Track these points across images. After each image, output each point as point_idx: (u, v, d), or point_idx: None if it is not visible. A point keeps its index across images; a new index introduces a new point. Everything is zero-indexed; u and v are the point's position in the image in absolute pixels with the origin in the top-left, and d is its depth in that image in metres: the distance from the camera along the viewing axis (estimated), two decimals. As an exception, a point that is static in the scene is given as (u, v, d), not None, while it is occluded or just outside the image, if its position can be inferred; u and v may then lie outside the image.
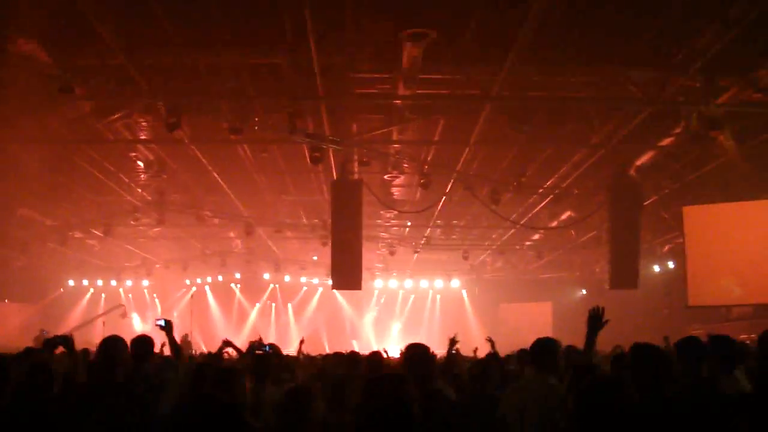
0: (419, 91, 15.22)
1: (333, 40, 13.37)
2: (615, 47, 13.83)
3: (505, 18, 12.42)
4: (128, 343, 7.39)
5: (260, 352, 8.83)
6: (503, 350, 12.60)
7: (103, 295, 39.79)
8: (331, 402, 6.60)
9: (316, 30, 12.40)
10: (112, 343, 6.69)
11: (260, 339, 9.70)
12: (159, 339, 8.41)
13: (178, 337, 8.95)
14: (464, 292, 41.22)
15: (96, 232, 29.11)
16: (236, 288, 41.07)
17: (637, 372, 5.69)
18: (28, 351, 9.30)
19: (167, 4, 12.82)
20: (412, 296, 41.26)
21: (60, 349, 7.34)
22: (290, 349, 20.19)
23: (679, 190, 21.83)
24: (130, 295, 40.05)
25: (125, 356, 6.74)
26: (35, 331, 23.30)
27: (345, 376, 7.58)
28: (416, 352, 7.01)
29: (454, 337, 9.63)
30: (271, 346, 8.99)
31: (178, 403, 4.33)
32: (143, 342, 7.63)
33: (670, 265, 28.97)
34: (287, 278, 39.34)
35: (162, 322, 8.19)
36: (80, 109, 16.19)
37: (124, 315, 37.98)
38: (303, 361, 12.44)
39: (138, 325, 37.72)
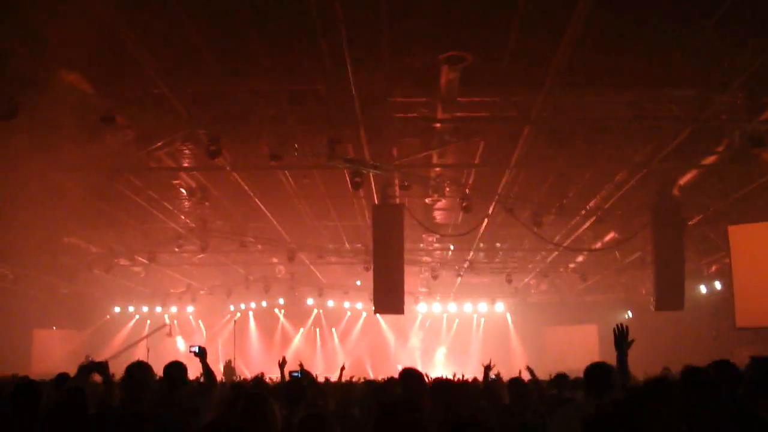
0: (458, 114, 15.26)
1: (371, 64, 13.43)
2: (653, 66, 13.76)
3: (542, 40, 12.41)
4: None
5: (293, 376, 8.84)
6: (549, 375, 12.48)
7: (148, 321, 40.07)
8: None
9: (354, 55, 12.44)
10: (137, 369, 6.72)
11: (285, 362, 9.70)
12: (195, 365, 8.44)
13: (221, 363, 9.03)
14: (508, 316, 40.90)
15: (141, 259, 29.39)
16: (280, 313, 41.15)
17: (686, 396, 5.53)
18: (62, 377, 9.35)
19: (206, 34, 12.98)
20: (457, 320, 41.01)
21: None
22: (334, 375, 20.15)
23: (724, 209, 21.60)
24: (175, 321, 40.26)
25: (151, 381, 6.75)
26: (81, 358, 23.53)
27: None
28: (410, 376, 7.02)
29: (488, 364, 9.64)
30: (302, 371, 8.98)
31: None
32: (176, 368, 7.66)
33: (717, 285, 28.54)
34: (330, 303, 39.31)
35: (196, 349, 8.26)
36: (123, 138, 16.37)
37: (170, 334, 38.21)
38: (339, 386, 12.38)
39: (182, 347, 37.86)
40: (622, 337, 6.58)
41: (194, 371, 8.72)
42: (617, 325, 6.62)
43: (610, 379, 6.69)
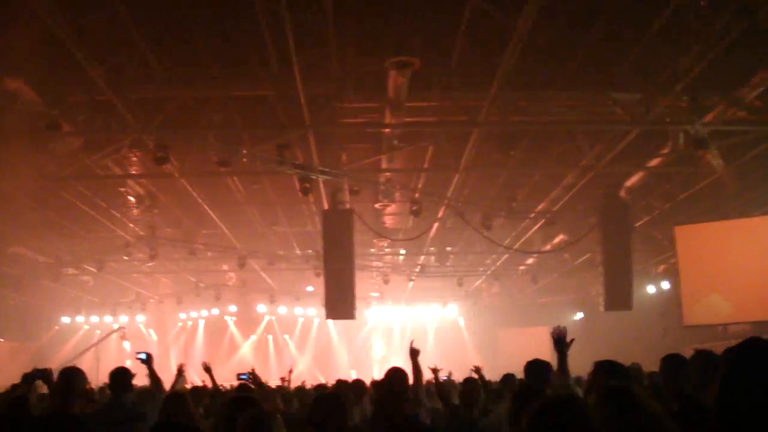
0: (406, 119, 15.28)
1: (318, 70, 13.44)
2: (599, 70, 13.96)
3: (488, 44, 12.51)
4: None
5: (241, 380, 8.85)
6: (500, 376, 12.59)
7: (98, 331, 39.60)
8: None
9: (302, 60, 12.43)
10: (68, 374, 6.71)
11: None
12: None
13: (173, 369, 9.01)
14: (461, 319, 41.09)
15: (89, 267, 29.02)
16: (230, 321, 40.92)
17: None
18: (14, 387, 9.32)
19: (152, 39, 12.91)
20: (409, 325, 41.07)
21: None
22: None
23: (670, 210, 21.92)
24: (125, 330, 39.88)
25: (82, 386, 6.75)
26: (29, 370, 23.14)
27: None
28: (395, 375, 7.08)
29: (434, 367, 9.79)
30: (250, 374, 8.97)
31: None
32: (121, 374, 7.68)
33: (665, 285, 28.90)
34: (282, 310, 39.18)
35: (143, 356, 8.43)
36: (69, 146, 16.18)
37: (124, 337, 37.77)
38: (289, 390, 12.33)
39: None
40: (560, 340, 6.71)
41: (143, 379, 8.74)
42: (555, 328, 6.74)
43: (546, 375, 6.85)
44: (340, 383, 12.22)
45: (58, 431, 4.80)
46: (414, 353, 8.23)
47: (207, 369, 10.01)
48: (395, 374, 7.20)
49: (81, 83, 13.62)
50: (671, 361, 6.76)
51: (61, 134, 15.24)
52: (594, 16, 12.34)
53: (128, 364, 9.48)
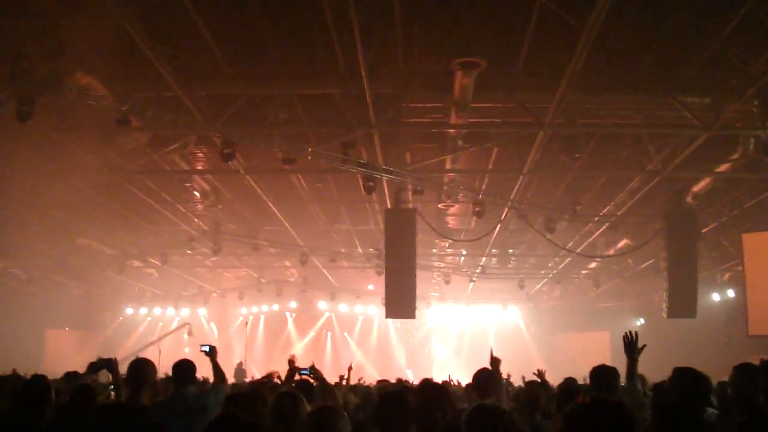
0: (472, 120, 15.23)
1: (385, 69, 13.46)
2: (667, 73, 13.78)
3: (556, 45, 12.41)
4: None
5: (301, 376, 8.81)
6: (560, 380, 12.50)
7: (160, 323, 40.20)
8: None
9: (368, 59, 12.46)
10: (140, 365, 6.79)
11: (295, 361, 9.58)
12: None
13: (232, 364, 9.06)
14: (521, 322, 40.84)
15: (153, 260, 29.48)
16: (290, 317, 41.20)
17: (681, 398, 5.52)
18: (71, 374, 9.47)
19: (220, 37, 13.06)
20: (469, 325, 40.93)
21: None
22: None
23: (738, 217, 21.53)
24: (190, 325, 40.39)
25: (152, 378, 6.82)
26: (93, 358, 23.48)
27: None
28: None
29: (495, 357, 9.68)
30: (311, 369, 8.93)
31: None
32: (185, 366, 7.74)
33: (730, 293, 28.42)
34: (343, 307, 39.34)
35: (207, 348, 8.35)
36: (137, 140, 16.45)
37: (190, 332, 38.15)
38: (345, 388, 12.29)
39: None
40: (632, 344, 6.56)
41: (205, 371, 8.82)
42: (627, 332, 6.59)
43: (613, 380, 6.71)
44: (400, 382, 12.24)
45: (126, 420, 4.91)
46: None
47: (291, 362, 9.85)
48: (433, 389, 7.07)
49: (150, 80, 13.84)
50: (744, 371, 6.62)
51: (129, 129, 15.54)
52: (663, 18, 12.17)
53: (186, 351, 9.61)
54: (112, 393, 8.03)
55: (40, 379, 6.73)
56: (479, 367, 7.78)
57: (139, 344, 36.49)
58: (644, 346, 6.58)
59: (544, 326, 39.23)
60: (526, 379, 12.64)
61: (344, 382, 12.71)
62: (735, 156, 16.68)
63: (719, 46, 12.70)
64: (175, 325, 39.70)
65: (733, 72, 13.38)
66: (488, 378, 7.28)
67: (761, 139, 14.95)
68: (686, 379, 5.94)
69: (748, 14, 11.54)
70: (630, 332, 6.55)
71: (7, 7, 11.65)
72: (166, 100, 14.56)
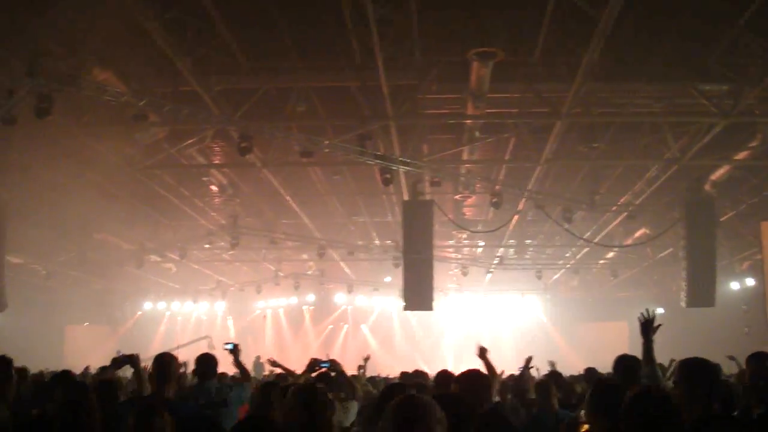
0: (488, 111, 15.23)
1: (401, 61, 13.44)
2: (685, 61, 13.72)
3: (572, 35, 12.37)
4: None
5: (320, 369, 8.84)
6: (579, 370, 12.53)
7: (179, 318, 40.31)
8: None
9: (385, 51, 12.45)
10: (164, 360, 6.85)
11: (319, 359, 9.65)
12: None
13: (250, 358, 9.12)
14: (539, 312, 40.70)
15: (172, 255, 29.55)
16: (307, 310, 41.25)
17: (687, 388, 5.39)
18: (102, 369, 9.58)
19: (237, 31, 13.08)
20: (488, 316, 40.78)
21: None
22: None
23: (757, 205, 21.44)
24: (204, 317, 40.49)
25: (176, 372, 6.87)
26: (113, 353, 23.55)
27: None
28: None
29: (529, 357, 9.68)
30: (331, 362, 8.96)
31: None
32: (207, 360, 7.86)
33: (749, 282, 28.29)
34: (360, 300, 39.35)
35: (230, 346, 8.55)
36: (154, 135, 16.49)
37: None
38: (363, 377, 12.31)
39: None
40: (648, 323, 6.41)
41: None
42: (645, 310, 6.45)
43: (636, 369, 6.61)
44: (418, 373, 12.29)
45: (153, 412, 4.96)
46: (482, 352, 8.14)
47: (274, 364, 10.07)
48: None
49: (167, 74, 13.93)
50: (758, 360, 6.55)
51: (147, 124, 15.58)
52: (681, 6, 12.11)
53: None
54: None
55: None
56: (498, 359, 7.79)
57: (161, 348, 36.48)
58: (659, 325, 6.44)
59: (563, 316, 39.11)
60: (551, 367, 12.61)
61: (362, 371, 12.73)
62: (754, 143, 16.62)
63: (737, 33, 12.64)
64: (193, 319, 39.79)
65: (751, 59, 13.30)
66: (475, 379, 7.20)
67: (779, 126, 14.89)
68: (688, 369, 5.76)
69: (766, 1, 11.48)
70: (647, 309, 6.43)
71: (23, 3, 11.70)
72: (183, 95, 14.59)
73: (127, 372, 8.92)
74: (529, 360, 9.97)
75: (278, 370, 10.62)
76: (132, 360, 7.53)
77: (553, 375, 10.71)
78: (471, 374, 5.95)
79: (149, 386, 6.84)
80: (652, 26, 12.76)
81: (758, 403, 5.97)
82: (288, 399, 5.09)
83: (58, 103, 13.38)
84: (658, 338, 6.60)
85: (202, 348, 36.15)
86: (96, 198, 20.42)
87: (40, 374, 12.62)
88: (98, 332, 36.75)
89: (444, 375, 7.50)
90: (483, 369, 7.54)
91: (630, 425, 4.16)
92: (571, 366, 19.55)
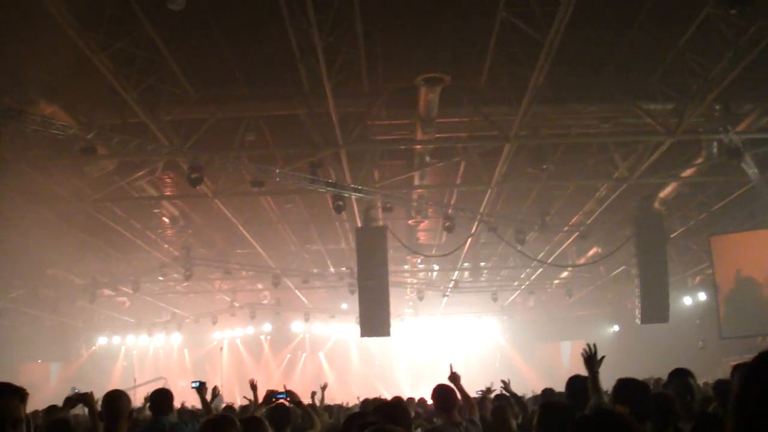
0: (438, 135, 15.35)
1: (349, 88, 13.48)
2: (629, 81, 13.97)
3: (518, 58, 12.50)
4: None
5: (277, 400, 8.79)
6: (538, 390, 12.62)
7: (134, 352, 39.80)
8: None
9: (333, 79, 12.49)
10: (114, 398, 6.78)
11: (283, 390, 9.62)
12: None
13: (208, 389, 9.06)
14: (497, 334, 40.80)
15: (125, 288, 29.21)
16: (265, 340, 41.00)
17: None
18: (52, 408, 9.41)
19: (185, 62, 13.06)
20: (444, 340, 40.76)
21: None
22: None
23: (706, 221, 21.76)
24: (161, 351, 40.03)
25: (126, 409, 6.81)
26: (68, 391, 23.22)
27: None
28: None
29: (488, 387, 9.79)
30: (288, 392, 8.89)
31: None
32: (161, 395, 7.80)
33: (702, 296, 28.63)
34: (317, 328, 39.19)
35: (196, 384, 8.70)
36: (104, 168, 16.36)
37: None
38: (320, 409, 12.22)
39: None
40: (591, 357, 6.51)
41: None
42: (586, 346, 6.54)
43: (586, 390, 6.67)
44: (377, 401, 12.18)
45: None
46: (455, 378, 8.13)
47: (254, 387, 9.93)
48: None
49: (115, 106, 13.86)
50: (680, 376, 6.72)
51: (95, 157, 15.45)
52: (623, 27, 12.34)
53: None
54: None
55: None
56: (450, 383, 7.77)
57: (119, 384, 36.07)
58: (603, 357, 6.53)
59: (521, 337, 39.26)
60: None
61: (315, 399, 12.67)
62: (699, 160, 16.91)
63: (678, 52, 12.88)
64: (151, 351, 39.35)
65: (693, 78, 13.54)
66: (446, 393, 7.25)
67: (724, 142, 15.12)
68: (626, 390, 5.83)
69: (705, 21, 11.73)
70: (588, 345, 6.51)
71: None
72: (132, 127, 14.50)
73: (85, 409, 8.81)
74: (488, 389, 10.07)
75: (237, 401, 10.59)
76: (86, 398, 7.43)
77: (509, 396, 10.70)
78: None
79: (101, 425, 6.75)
80: (596, 49, 12.96)
81: (687, 419, 6.05)
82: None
83: (4, 137, 13.26)
84: (614, 356, 6.70)
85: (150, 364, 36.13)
86: (46, 233, 20.12)
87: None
88: (52, 369, 36.15)
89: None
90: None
91: None
92: (532, 386, 19.65)
